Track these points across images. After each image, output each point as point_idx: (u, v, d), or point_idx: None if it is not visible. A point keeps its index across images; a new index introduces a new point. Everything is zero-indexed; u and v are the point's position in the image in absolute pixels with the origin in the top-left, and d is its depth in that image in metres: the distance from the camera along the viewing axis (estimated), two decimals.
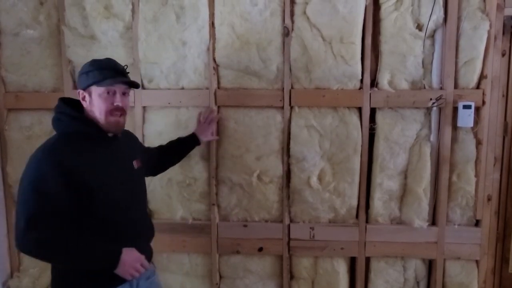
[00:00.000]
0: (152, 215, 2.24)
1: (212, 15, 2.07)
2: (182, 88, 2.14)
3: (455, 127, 2.07)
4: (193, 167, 2.17)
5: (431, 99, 2.03)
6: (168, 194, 2.21)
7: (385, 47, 2.05)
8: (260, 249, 2.21)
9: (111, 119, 1.42)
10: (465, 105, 2.00)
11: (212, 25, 2.08)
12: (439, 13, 1.98)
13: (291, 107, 2.12)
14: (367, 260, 2.21)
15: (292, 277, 2.27)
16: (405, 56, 2.03)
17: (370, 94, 2.07)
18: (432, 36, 2.05)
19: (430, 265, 2.22)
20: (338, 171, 2.13)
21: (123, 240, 1.42)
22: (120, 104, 1.43)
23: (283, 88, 2.10)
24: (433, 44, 2.05)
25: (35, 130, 2.23)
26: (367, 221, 2.18)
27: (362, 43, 2.04)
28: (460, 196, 2.11)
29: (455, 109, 2.04)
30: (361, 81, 2.07)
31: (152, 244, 1.67)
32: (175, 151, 1.99)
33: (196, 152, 2.16)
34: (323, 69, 2.04)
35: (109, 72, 1.41)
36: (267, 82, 2.12)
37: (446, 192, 2.10)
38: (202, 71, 2.13)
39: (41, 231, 1.26)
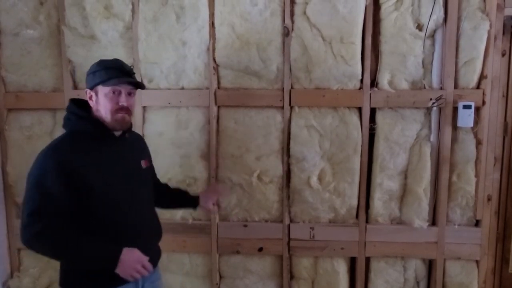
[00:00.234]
0: None
1: (212, 15, 2.07)
2: (182, 88, 2.14)
3: (455, 127, 2.07)
4: (193, 167, 2.17)
5: (431, 99, 2.03)
6: None
7: (385, 47, 2.05)
8: (260, 249, 2.21)
9: (117, 116, 1.43)
10: (465, 105, 2.00)
11: (212, 25, 2.08)
12: (439, 13, 1.98)
13: (291, 107, 2.12)
14: (367, 260, 2.21)
15: (292, 277, 2.27)
16: (405, 56, 2.03)
17: (370, 94, 2.07)
18: (432, 36, 2.05)
19: (430, 265, 2.22)
20: (338, 171, 2.13)
21: (125, 240, 1.40)
22: (125, 104, 1.44)
23: (283, 88, 2.10)
24: (433, 44, 2.05)
25: (35, 130, 2.24)
26: (367, 221, 2.18)
27: (362, 43, 2.04)
28: (460, 196, 2.11)
29: (455, 109, 2.04)
30: (361, 81, 2.07)
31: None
32: (171, 196, 1.83)
33: (196, 152, 2.16)
34: (323, 69, 2.04)
35: (115, 72, 1.43)
36: (267, 82, 2.12)
37: (446, 192, 2.10)
38: (202, 71, 2.13)
39: (42, 226, 1.29)
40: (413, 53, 2.03)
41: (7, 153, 2.26)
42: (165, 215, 2.23)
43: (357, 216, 2.19)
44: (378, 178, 2.12)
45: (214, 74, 2.12)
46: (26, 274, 2.33)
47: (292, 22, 2.06)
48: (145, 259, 1.40)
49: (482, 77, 2.04)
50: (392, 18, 2.01)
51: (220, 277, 2.29)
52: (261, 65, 2.07)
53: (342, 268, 2.20)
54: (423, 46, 2.03)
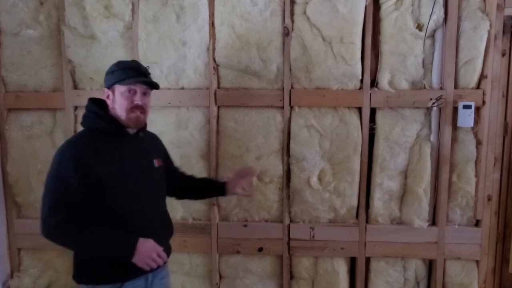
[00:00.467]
0: None
1: (212, 15, 2.08)
2: (182, 88, 2.14)
3: (455, 127, 2.07)
4: (193, 167, 2.17)
5: (431, 99, 2.03)
6: None
7: (385, 47, 2.05)
8: (260, 249, 2.21)
9: (131, 115, 1.48)
10: (465, 105, 2.00)
11: (212, 25, 2.09)
12: (439, 13, 1.98)
13: (291, 107, 2.12)
14: (367, 260, 2.21)
15: (292, 277, 2.26)
16: (405, 56, 2.03)
17: (370, 94, 2.07)
18: (432, 36, 2.05)
19: (430, 265, 2.22)
20: (338, 171, 2.13)
21: (136, 234, 1.44)
22: (140, 103, 1.49)
23: (283, 88, 2.10)
24: (433, 44, 2.05)
25: (35, 130, 2.24)
26: (367, 221, 2.18)
27: (362, 43, 2.04)
28: (460, 196, 2.11)
29: (455, 109, 2.04)
30: (361, 81, 2.07)
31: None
32: (198, 188, 1.87)
33: (196, 152, 2.16)
34: (323, 69, 2.04)
35: (131, 72, 1.49)
36: (267, 82, 2.12)
37: (446, 192, 2.10)
38: (202, 71, 2.13)
39: (62, 218, 1.36)
40: (413, 53, 2.03)
41: (7, 153, 2.26)
42: None
43: (357, 216, 2.19)
44: (378, 178, 2.12)
45: (214, 74, 2.12)
46: (26, 274, 2.33)
47: (292, 22, 2.06)
48: (159, 248, 1.45)
49: (482, 77, 2.04)
50: (392, 18, 2.01)
51: (220, 277, 2.29)
52: (261, 65, 2.07)
53: (342, 268, 2.20)
54: (423, 46, 2.03)
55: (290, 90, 2.09)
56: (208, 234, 2.21)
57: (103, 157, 1.44)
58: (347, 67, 2.03)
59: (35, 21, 2.14)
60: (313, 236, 2.18)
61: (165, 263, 1.54)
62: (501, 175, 2.17)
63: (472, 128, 2.06)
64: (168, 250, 1.65)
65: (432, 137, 2.10)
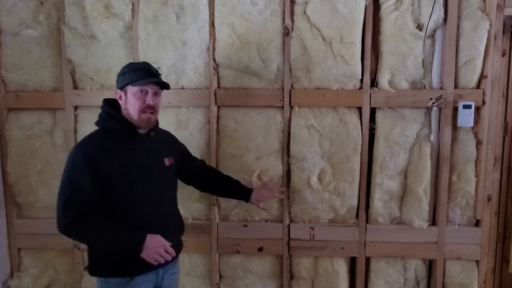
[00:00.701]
0: None
1: (212, 15, 2.08)
2: (182, 88, 2.14)
3: (455, 127, 2.07)
4: None
5: (431, 99, 2.03)
6: None
7: (385, 47, 2.05)
8: (260, 249, 2.20)
9: (143, 116, 1.54)
10: (465, 105, 2.00)
11: (212, 25, 2.08)
12: (439, 12, 1.98)
13: (291, 107, 2.12)
14: (367, 260, 2.21)
15: (292, 277, 2.26)
16: (405, 56, 2.03)
17: (370, 94, 2.07)
18: (432, 36, 2.05)
19: (430, 265, 2.22)
20: (338, 171, 2.13)
21: (145, 231, 1.50)
22: (151, 103, 1.55)
23: (283, 88, 2.10)
24: (433, 44, 2.05)
25: (35, 129, 2.24)
26: (367, 221, 2.18)
27: (362, 43, 2.04)
28: (460, 196, 2.11)
29: (455, 109, 2.04)
30: (361, 81, 2.07)
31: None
32: (223, 186, 1.94)
33: (196, 152, 2.16)
34: (323, 69, 2.04)
35: (142, 73, 1.54)
36: (267, 82, 2.12)
37: (446, 192, 2.10)
38: (202, 71, 2.13)
39: (74, 215, 1.43)
40: (413, 53, 2.03)
41: (7, 153, 2.26)
42: None
43: (357, 216, 2.19)
44: (378, 178, 2.12)
45: (214, 74, 2.12)
46: (26, 274, 2.33)
47: (292, 22, 2.06)
48: (167, 244, 1.51)
49: (482, 77, 2.04)
50: (392, 18, 2.01)
51: (220, 277, 2.29)
52: (261, 65, 2.07)
53: (342, 268, 2.20)
54: (423, 46, 2.03)
55: (290, 90, 2.09)
56: (208, 234, 2.21)
57: (113, 157, 1.50)
58: (347, 67, 2.03)
59: (35, 21, 2.14)
60: (313, 236, 2.18)
61: (175, 258, 1.62)
62: (501, 175, 2.17)
63: (472, 128, 2.06)
64: (178, 247, 1.72)
65: (432, 137, 2.10)
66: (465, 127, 2.05)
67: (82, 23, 2.10)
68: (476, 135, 2.07)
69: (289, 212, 2.20)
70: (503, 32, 2.03)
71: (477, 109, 2.03)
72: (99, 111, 2.14)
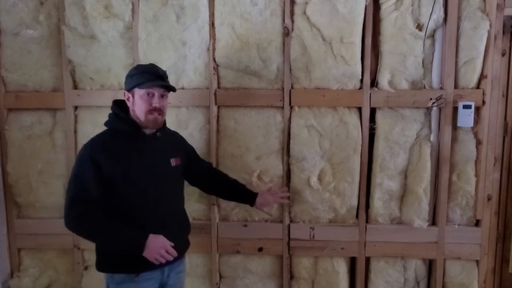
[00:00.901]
0: None
1: (212, 15, 2.08)
2: (182, 88, 2.14)
3: (455, 127, 2.07)
4: None
5: (431, 99, 2.03)
6: None
7: (385, 47, 2.05)
8: (260, 249, 2.20)
9: (150, 117, 1.58)
10: (465, 105, 2.00)
11: (212, 25, 2.09)
12: (439, 12, 1.98)
13: (291, 107, 2.12)
14: (367, 260, 2.21)
15: (292, 277, 2.27)
16: (405, 56, 2.03)
17: (370, 94, 2.07)
18: (432, 36, 2.05)
19: (430, 265, 2.22)
20: (338, 171, 2.13)
21: (150, 231, 1.53)
22: (157, 105, 1.58)
23: (283, 88, 2.10)
24: (433, 44, 2.05)
25: (35, 130, 2.24)
26: (367, 221, 2.18)
27: (362, 43, 2.04)
28: (460, 196, 2.11)
29: (455, 109, 2.04)
30: (361, 81, 2.07)
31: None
32: (229, 190, 1.95)
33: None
34: (323, 69, 2.04)
35: (149, 75, 1.57)
36: (267, 82, 2.12)
37: (446, 192, 2.10)
38: (202, 71, 2.13)
39: (78, 212, 1.48)
40: (413, 53, 2.03)
41: (7, 153, 2.26)
42: None
43: (357, 216, 2.19)
44: (378, 178, 2.12)
45: (214, 74, 2.12)
46: (26, 274, 2.33)
47: (292, 22, 2.06)
48: (168, 245, 1.53)
49: (482, 77, 2.04)
50: (392, 18, 2.01)
51: (220, 277, 2.29)
52: (261, 65, 2.08)
53: (342, 268, 2.20)
54: (423, 46, 2.03)
55: (290, 90, 2.09)
56: (208, 234, 2.21)
57: (118, 157, 1.55)
58: (347, 67, 2.03)
59: (35, 21, 2.14)
60: (313, 236, 2.18)
61: (180, 257, 1.66)
62: (501, 175, 2.17)
63: (472, 128, 2.06)
64: (184, 246, 1.76)
65: (432, 137, 2.10)
66: (465, 127, 2.05)
67: (82, 23, 2.10)
68: (476, 135, 2.07)
69: (289, 212, 2.20)
70: (503, 32, 2.03)
71: (477, 109, 2.03)
72: (99, 111, 2.17)
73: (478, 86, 2.06)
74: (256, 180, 2.14)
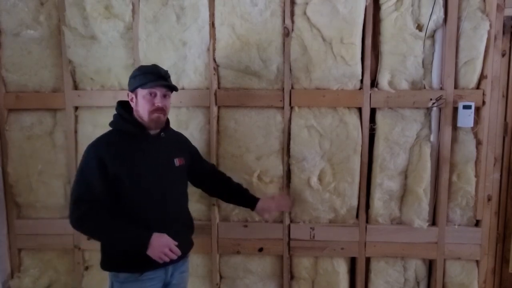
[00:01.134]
0: None
1: (212, 15, 2.08)
2: (183, 88, 2.14)
3: (455, 127, 2.07)
4: None
5: (431, 99, 2.03)
6: None
7: (385, 47, 2.05)
8: (261, 249, 2.21)
9: (153, 117, 1.60)
10: (465, 105, 2.00)
11: (212, 25, 2.09)
12: (439, 13, 1.99)
13: (291, 107, 2.12)
14: (367, 260, 2.21)
15: (292, 277, 2.27)
16: (405, 56, 2.03)
17: (370, 94, 2.07)
18: (432, 36, 2.05)
19: (431, 265, 2.22)
20: (338, 171, 2.13)
21: (154, 230, 1.54)
22: (160, 105, 1.61)
23: (283, 88, 2.10)
24: (433, 44, 2.06)
25: (35, 130, 2.24)
26: (367, 221, 2.18)
27: (362, 43, 2.05)
28: (460, 196, 2.11)
29: (455, 109, 2.04)
30: (361, 81, 2.08)
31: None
32: (232, 193, 1.94)
33: None
34: (323, 69, 2.04)
35: (152, 76, 1.60)
36: (267, 82, 2.12)
37: (446, 192, 2.10)
38: (202, 71, 2.13)
39: (82, 211, 1.50)
40: (413, 53, 2.03)
41: (7, 153, 2.26)
42: None
43: (357, 216, 2.19)
44: (378, 178, 2.12)
45: (214, 74, 2.12)
46: (27, 274, 2.33)
47: (292, 22, 2.06)
48: (172, 244, 1.54)
49: (482, 77, 2.04)
50: (392, 19, 2.01)
51: (221, 277, 2.29)
52: (261, 65, 2.08)
53: (342, 268, 2.20)
54: (423, 46, 2.04)
55: (290, 90, 2.10)
56: (209, 234, 2.21)
57: (123, 157, 1.57)
58: (347, 67, 2.03)
59: (36, 21, 2.14)
60: (313, 236, 2.18)
61: (183, 257, 1.67)
62: (501, 175, 2.17)
63: (472, 128, 2.06)
64: (187, 245, 1.77)
65: (432, 137, 2.10)
66: (465, 127, 2.05)
67: (82, 24, 2.11)
68: (476, 135, 2.08)
69: (289, 212, 2.20)
70: (503, 33, 2.03)
71: (477, 110, 2.03)
72: (99, 111, 2.18)
73: (478, 87, 2.06)
74: (256, 180, 2.15)
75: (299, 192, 2.15)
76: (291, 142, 2.12)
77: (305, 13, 2.04)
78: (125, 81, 2.14)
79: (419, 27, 2.02)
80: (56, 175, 2.25)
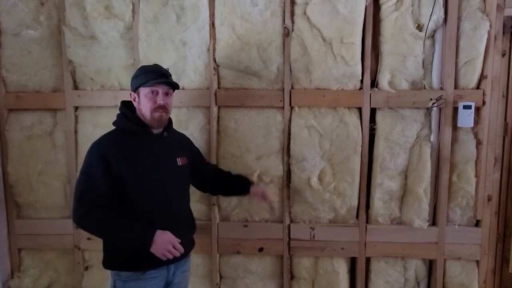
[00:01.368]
0: None
1: (212, 15, 2.08)
2: (183, 88, 2.14)
3: (455, 127, 2.07)
4: None
5: (431, 99, 2.03)
6: None
7: (385, 47, 2.05)
8: (261, 249, 2.21)
9: (155, 115, 1.61)
10: (465, 105, 2.00)
11: (212, 25, 2.09)
12: (439, 13, 1.99)
13: (291, 107, 2.12)
14: (368, 260, 2.21)
15: (292, 277, 2.27)
16: (405, 56, 2.03)
17: (370, 94, 2.07)
18: (432, 36, 2.05)
19: (431, 265, 2.22)
20: (339, 171, 2.13)
21: (156, 228, 1.53)
22: (162, 103, 1.61)
23: (283, 89, 2.10)
24: (433, 44, 2.06)
25: (35, 130, 2.24)
26: (367, 221, 2.18)
27: (362, 43, 2.05)
28: (460, 196, 2.11)
29: (455, 109, 2.04)
30: (361, 81, 2.08)
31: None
32: (228, 184, 1.94)
33: None
34: (323, 69, 2.04)
35: (153, 74, 1.61)
36: (267, 83, 2.13)
37: (446, 192, 2.10)
38: (202, 71, 2.13)
39: (86, 209, 1.50)
40: (413, 54, 2.03)
41: (7, 153, 2.26)
42: None
43: (357, 216, 2.19)
44: (378, 178, 2.12)
45: (214, 74, 2.12)
46: (27, 274, 2.33)
47: (293, 22, 2.06)
48: (175, 241, 1.53)
49: (482, 77, 2.04)
50: (392, 19, 2.01)
51: (221, 277, 2.29)
52: (261, 65, 2.08)
53: (342, 268, 2.20)
54: (423, 46, 2.04)
55: (290, 91, 2.10)
56: (209, 234, 2.21)
57: (126, 155, 1.57)
58: (347, 67, 2.03)
59: (36, 21, 2.14)
60: (314, 236, 2.18)
61: (185, 255, 1.67)
62: (501, 175, 2.17)
63: (472, 128, 2.06)
64: (189, 244, 1.77)
65: (432, 137, 2.10)
66: (465, 127, 2.05)
67: (82, 24, 2.11)
68: (476, 135, 2.08)
69: (290, 212, 2.20)
70: (503, 33, 2.03)
71: (477, 110, 2.04)
72: (99, 111, 2.18)
73: (478, 87, 2.06)
74: (257, 180, 2.14)
75: (299, 192, 2.15)
76: (291, 142, 2.12)
77: (305, 13, 2.04)
78: (125, 81, 2.15)
79: (419, 27, 2.02)
80: (56, 175, 2.26)
